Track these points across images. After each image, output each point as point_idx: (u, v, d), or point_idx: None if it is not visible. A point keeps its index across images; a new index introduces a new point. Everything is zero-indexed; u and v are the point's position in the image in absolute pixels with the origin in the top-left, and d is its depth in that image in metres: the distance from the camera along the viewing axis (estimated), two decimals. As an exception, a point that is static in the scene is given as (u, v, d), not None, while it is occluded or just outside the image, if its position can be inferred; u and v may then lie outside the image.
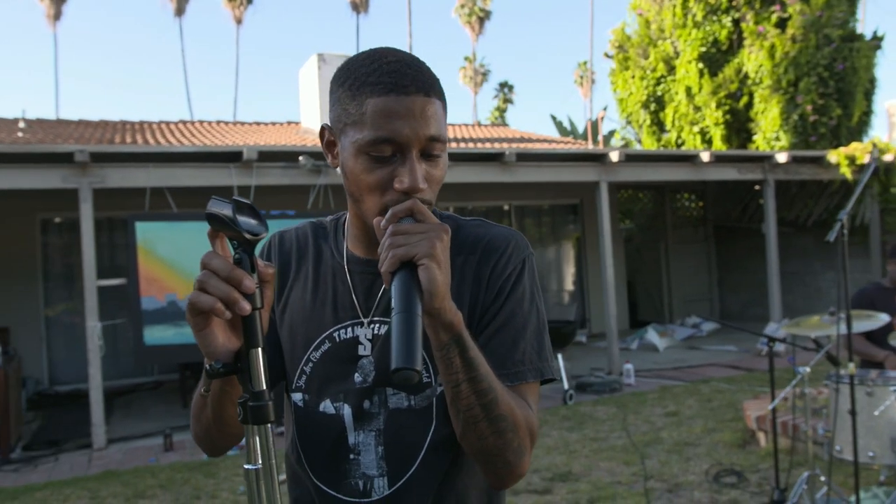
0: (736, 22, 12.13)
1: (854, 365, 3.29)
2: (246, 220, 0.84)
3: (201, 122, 14.06)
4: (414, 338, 0.81)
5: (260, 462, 0.83)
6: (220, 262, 0.85)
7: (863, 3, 12.38)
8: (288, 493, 1.20)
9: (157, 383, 9.43)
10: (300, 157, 6.91)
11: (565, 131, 23.27)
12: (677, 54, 12.76)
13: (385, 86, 0.98)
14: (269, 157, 6.94)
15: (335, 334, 1.13)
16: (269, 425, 0.83)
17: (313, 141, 11.01)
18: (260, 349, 0.84)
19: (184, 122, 14.06)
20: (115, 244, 9.35)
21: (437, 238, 0.89)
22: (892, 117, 13.46)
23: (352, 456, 1.11)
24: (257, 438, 0.83)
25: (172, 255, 6.71)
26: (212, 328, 0.88)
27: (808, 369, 3.81)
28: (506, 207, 11.31)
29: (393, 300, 0.85)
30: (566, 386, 7.12)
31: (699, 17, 12.29)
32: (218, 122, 14.17)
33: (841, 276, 3.41)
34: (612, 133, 18.94)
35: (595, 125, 18.29)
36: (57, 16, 34.60)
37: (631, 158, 8.58)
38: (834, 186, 10.33)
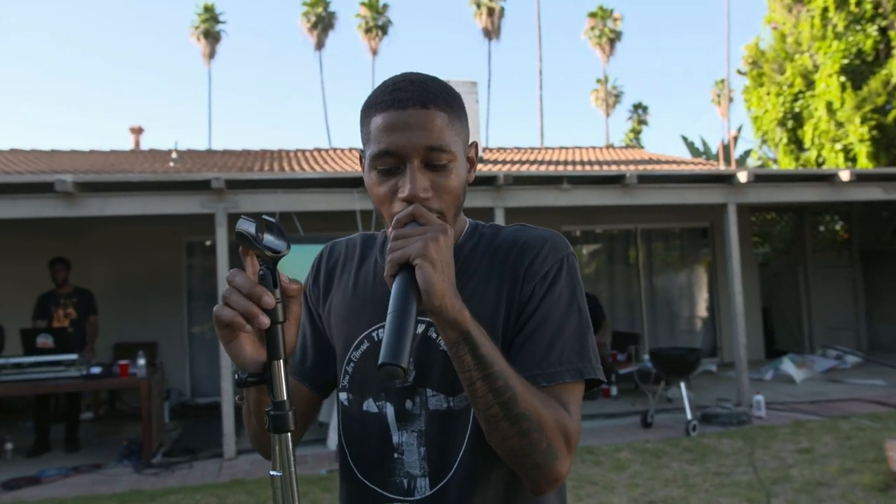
0: (883, 30, 11.32)
1: None
2: (270, 239, 0.91)
3: (334, 150, 14.70)
4: (403, 336, 0.85)
5: (279, 470, 0.87)
6: (243, 279, 0.91)
7: None
8: (339, 489, 1.25)
9: (287, 398, 9.85)
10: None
11: (697, 152, 22.42)
12: (816, 68, 12.05)
13: (385, 103, 1.06)
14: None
15: (373, 334, 1.17)
16: (288, 434, 0.87)
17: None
18: (282, 361, 0.89)
19: (318, 150, 14.76)
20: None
21: (432, 238, 0.93)
22: None
23: (396, 455, 1.14)
24: (278, 447, 0.88)
25: (299, 276, 7.01)
26: (239, 340, 0.95)
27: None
28: (632, 230, 11.06)
29: (390, 301, 0.89)
30: (689, 416, 6.83)
31: (840, 28, 11.56)
32: (350, 149, 14.77)
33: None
34: (747, 153, 18.10)
35: (727, 146, 17.55)
36: (211, 55, 37.40)
37: (761, 179, 8.16)
38: None
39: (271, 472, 0.88)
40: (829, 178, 8.33)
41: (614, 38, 39.86)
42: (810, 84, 12.16)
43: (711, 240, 11.26)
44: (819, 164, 12.08)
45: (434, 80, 1.11)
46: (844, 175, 8.15)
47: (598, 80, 41.30)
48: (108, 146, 13.94)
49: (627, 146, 29.88)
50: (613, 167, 11.88)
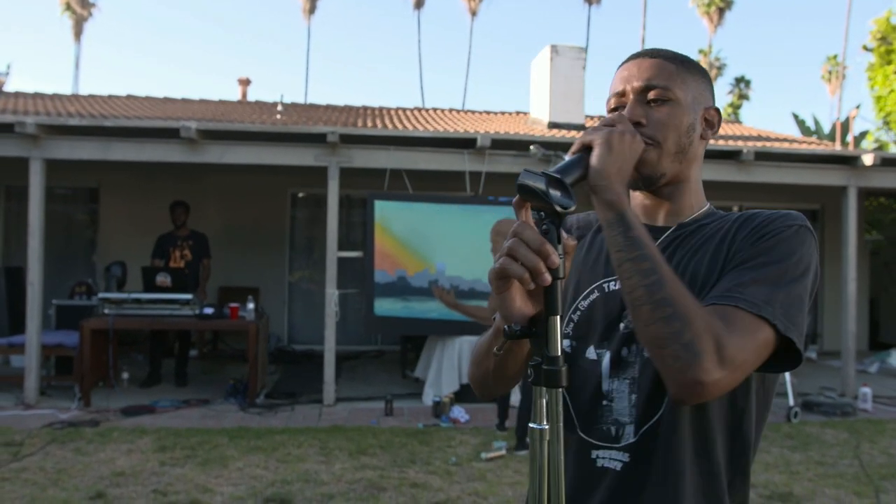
0: None
1: None
2: (556, 194, 0.92)
3: (434, 110, 14.72)
4: (565, 168, 1.01)
5: (545, 423, 0.88)
6: (532, 235, 0.93)
7: None
8: None
9: (379, 352, 10.11)
10: (531, 146, 7.04)
11: (808, 131, 21.33)
12: (954, 47, 11.26)
13: (624, 60, 1.25)
14: (502, 144, 7.16)
15: (604, 285, 1.22)
16: (560, 389, 0.88)
17: (541, 130, 11.13)
18: (558, 317, 0.90)
19: (418, 109, 14.81)
20: (352, 221, 10.14)
21: (619, 132, 1.06)
22: None
23: (605, 402, 1.17)
24: (544, 400, 0.89)
25: (405, 233, 7.16)
26: (511, 292, 0.99)
27: None
28: (736, 208, 10.70)
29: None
30: (791, 402, 6.65)
31: None
32: (450, 110, 14.76)
33: None
34: (863, 134, 17.10)
35: (845, 125, 16.64)
36: (312, 10, 37.86)
37: (888, 163, 7.74)
38: None
39: (531, 425, 0.89)
40: (964, 165, 7.83)
41: (724, 7, 38.19)
42: (945, 64, 11.40)
43: (821, 223, 10.80)
44: (947, 151, 11.34)
45: (675, 51, 1.25)
46: (981, 162, 7.65)
47: (701, 51, 39.73)
48: (215, 96, 14.37)
49: (727, 121, 28.77)
50: (721, 142, 11.47)
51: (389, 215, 7.12)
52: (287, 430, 6.02)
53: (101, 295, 7.06)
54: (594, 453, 1.17)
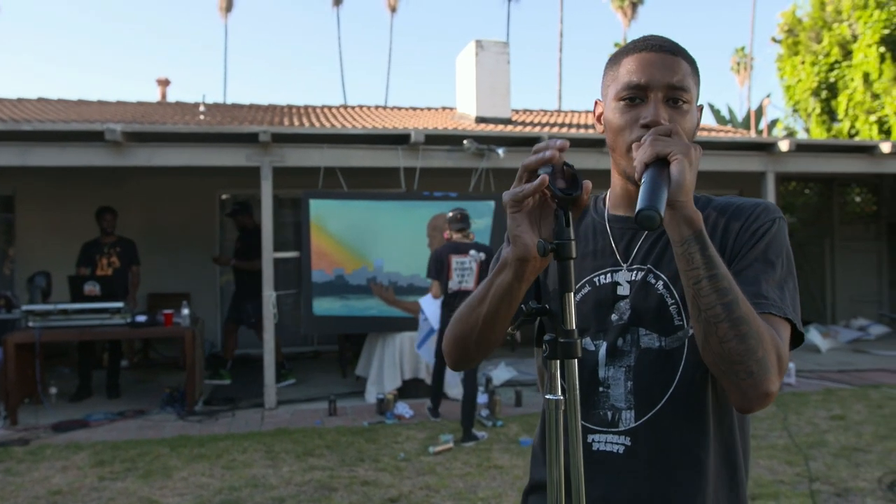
0: (926, 2, 11.15)
1: None
2: (561, 183, 0.99)
3: (360, 107, 14.65)
4: (659, 192, 0.95)
5: (560, 394, 0.93)
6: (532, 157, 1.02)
7: None
8: (541, 424, 1.32)
9: (316, 353, 10.02)
10: (464, 141, 7.10)
11: (723, 120, 22.20)
12: (855, 38, 11.87)
13: (639, 48, 1.20)
14: (435, 140, 7.18)
15: (595, 279, 1.26)
16: (574, 361, 0.93)
17: (469, 125, 11.22)
18: (571, 294, 0.95)
19: (344, 107, 14.71)
20: (283, 222, 9.99)
21: (693, 147, 1.04)
22: None
23: (601, 388, 1.21)
24: (558, 372, 0.94)
25: (342, 231, 7.12)
26: (522, 214, 1.03)
27: None
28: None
29: (643, 183, 0.99)
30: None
31: (883, -2, 11.39)
32: (376, 107, 14.72)
33: None
34: (774, 122, 17.92)
35: (758, 113, 17.37)
36: (229, 7, 37.05)
37: (802, 148, 8.13)
38: None
39: (547, 396, 0.93)
40: (870, 150, 8.30)
41: (637, 2, 39.24)
42: (847, 54, 11.99)
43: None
44: (852, 136, 11.99)
45: (682, 46, 1.22)
46: (885, 147, 8.11)
47: (617, 45, 40.65)
48: (132, 98, 13.89)
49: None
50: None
51: (325, 214, 7.06)
52: (230, 436, 5.90)
53: (24, 307, 6.76)
54: (590, 437, 1.21)
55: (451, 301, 6.02)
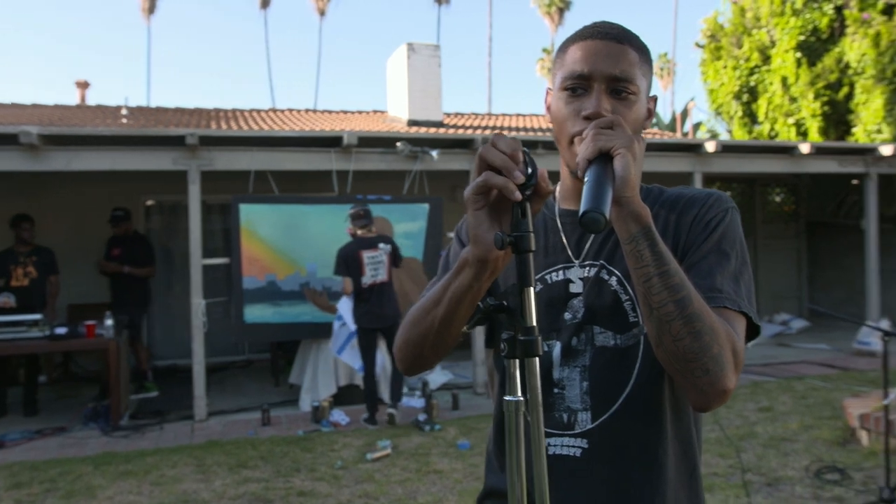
0: (838, 9, 11.64)
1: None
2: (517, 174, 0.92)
3: (290, 111, 14.41)
4: (603, 192, 0.91)
5: (519, 395, 0.88)
6: (506, 141, 0.94)
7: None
8: (495, 429, 1.27)
9: (247, 361, 9.77)
10: (398, 144, 7.04)
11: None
12: (773, 43, 12.33)
13: (585, 35, 1.16)
14: (368, 142, 7.09)
15: (546, 277, 1.21)
16: (535, 360, 0.88)
17: (401, 128, 11.16)
18: (532, 288, 0.89)
19: (273, 110, 14.44)
20: (211, 228, 9.72)
21: (636, 139, 0.99)
22: None
23: (556, 390, 1.17)
24: (517, 372, 0.89)
25: (273, 236, 6.95)
26: (485, 211, 0.96)
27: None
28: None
29: (586, 181, 0.94)
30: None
31: (798, 5, 11.84)
32: (306, 110, 14.50)
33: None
34: (698, 125, 18.48)
35: (684, 115, 17.88)
36: (151, 9, 36.02)
37: (727, 149, 8.37)
38: (940, 182, 9.84)
39: (506, 398, 0.88)
40: (790, 151, 8.61)
41: (563, 8, 39.92)
42: (766, 59, 12.45)
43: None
44: (772, 138, 12.45)
45: (631, 30, 1.18)
46: (804, 148, 8.44)
47: (545, 50, 41.35)
48: (50, 101, 13.33)
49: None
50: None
51: (255, 219, 6.88)
52: (159, 450, 5.68)
53: (-69, 322, 6.36)
54: (546, 441, 1.16)
55: (366, 295, 6.18)
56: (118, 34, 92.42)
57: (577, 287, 1.18)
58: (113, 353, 6.38)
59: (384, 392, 6.76)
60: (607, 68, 1.11)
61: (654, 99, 1.21)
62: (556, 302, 1.19)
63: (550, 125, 1.21)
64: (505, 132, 11.91)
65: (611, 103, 1.11)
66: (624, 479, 1.13)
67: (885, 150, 8.86)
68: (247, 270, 6.83)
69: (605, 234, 1.19)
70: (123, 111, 12.37)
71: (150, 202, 9.83)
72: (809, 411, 6.22)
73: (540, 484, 0.87)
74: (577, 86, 1.13)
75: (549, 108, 1.23)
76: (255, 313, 6.91)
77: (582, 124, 1.10)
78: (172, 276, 9.76)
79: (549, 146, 7.62)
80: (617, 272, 1.16)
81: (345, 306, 6.46)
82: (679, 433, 1.16)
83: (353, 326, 6.37)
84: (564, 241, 1.22)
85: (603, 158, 0.97)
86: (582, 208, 0.90)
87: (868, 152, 9.04)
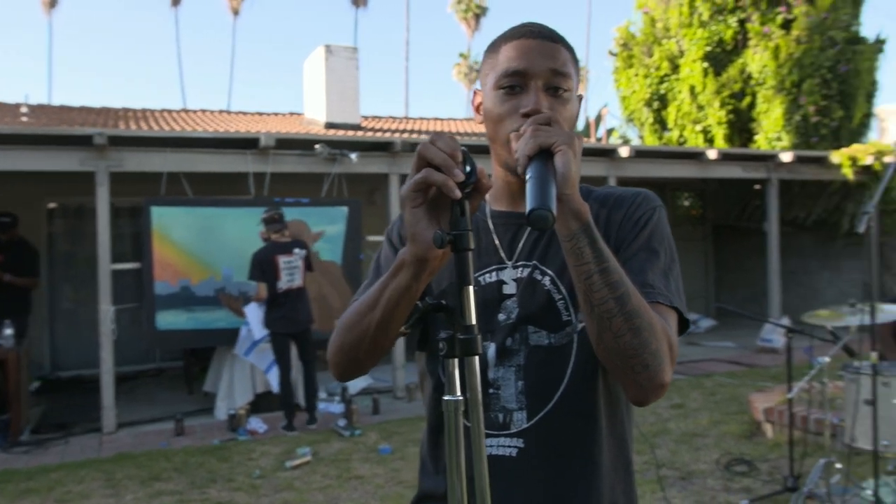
0: (741, 22, 12.18)
1: (877, 355, 3.36)
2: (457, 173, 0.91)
3: (203, 111, 14.02)
4: (548, 189, 0.90)
5: (459, 394, 0.86)
6: (446, 139, 0.93)
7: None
8: (429, 431, 1.25)
9: (158, 370, 9.44)
10: (316, 146, 6.93)
11: (563, 128, 23.16)
12: (682, 53, 12.80)
13: (518, 34, 1.16)
14: (286, 144, 6.96)
15: (479, 279, 1.20)
16: (475, 358, 0.87)
17: (318, 130, 11.02)
18: (471, 287, 0.88)
19: (185, 111, 14.02)
20: (119, 232, 9.34)
21: (576, 136, 0.99)
22: (883, 122, 13.62)
23: (491, 390, 1.16)
24: (456, 371, 0.87)
25: (187, 240, 6.73)
26: (423, 209, 0.94)
27: (827, 359, 3.88)
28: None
29: (528, 178, 0.93)
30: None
31: (705, 17, 12.33)
32: (220, 111, 14.15)
33: (869, 267, 3.49)
34: (611, 131, 19.00)
35: (598, 121, 18.34)
36: (52, 3, 34.43)
37: (640, 154, 8.64)
38: (834, 187, 10.44)
39: (445, 398, 0.86)
40: (698, 157, 8.96)
41: (480, 14, 40.40)
42: (676, 68, 12.91)
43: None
44: (680, 144, 12.91)
45: (562, 35, 1.18)
46: (712, 154, 8.80)
47: (462, 55, 41.74)
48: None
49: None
50: (483, 139, 12.12)
51: (168, 222, 6.64)
52: (64, 465, 5.40)
53: None
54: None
55: (281, 300, 6.10)
56: (16, 29, 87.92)
57: (510, 288, 1.18)
58: (13, 364, 6.05)
59: (301, 398, 6.66)
60: (544, 66, 1.11)
61: (580, 98, 1.22)
62: (490, 303, 1.18)
63: (482, 125, 1.20)
64: (423, 136, 11.93)
65: (548, 100, 1.11)
66: (560, 477, 1.13)
67: (785, 157, 9.34)
68: (159, 275, 6.59)
69: (537, 234, 1.19)
70: (23, 109, 11.77)
71: (52, 205, 9.37)
72: (718, 407, 6.47)
73: (481, 483, 0.86)
74: (513, 83, 1.12)
75: (478, 109, 1.22)
76: (168, 320, 6.67)
77: (520, 121, 1.09)
78: (77, 282, 9.33)
79: (475, 150, 7.67)
80: (550, 272, 1.16)
81: (252, 313, 6.35)
82: (614, 429, 1.18)
83: (257, 335, 6.30)
84: (497, 242, 1.21)
85: (543, 155, 0.96)
86: (529, 206, 0.89)
87: (770, 158, 9.51)
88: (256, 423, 6.26)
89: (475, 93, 1.23)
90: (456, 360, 0.87)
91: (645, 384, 1.02)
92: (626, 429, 1.21)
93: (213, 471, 5.14)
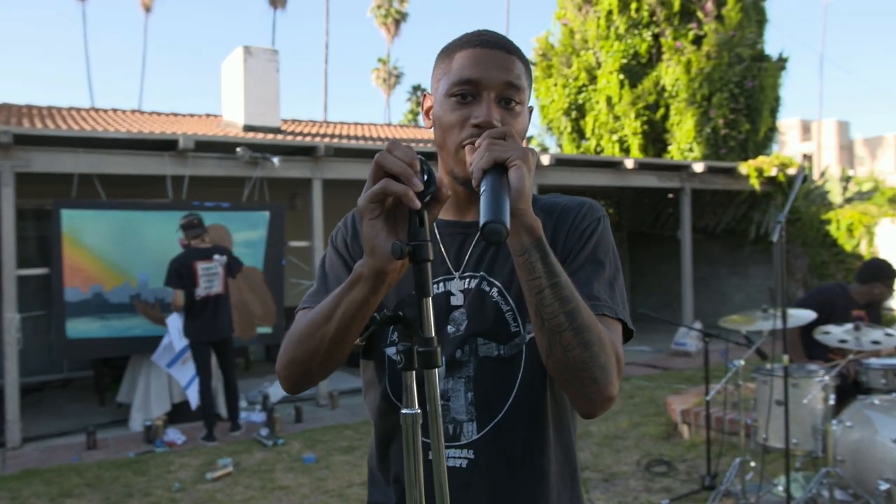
0: (656, 37, 12.65)
1: (788, 358, 3.52)
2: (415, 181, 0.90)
3: (114, 111, 13.49)
4: (502, 203, 0.91)
5: (417, 408, 0.86)
6: (403, 148, 0.92)
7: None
8: (377, 443, 1.24)
9: (66, 380, 8.99)
10: (238, 149, 6.78)
11: (483, 136, 23.37)
12: (599, 65, 13.17)
13: (472, 42, 1.15)
14: (205, 147, 6.77)
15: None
16: (435, 371, 0.86)
17: (237, 133, 10.78)
18: (430, 299, 0.87)
19: (95, 110, 13.46)
20: (24, 235, 8.89)
21: (530, 151, 0.99)
22: (783, 135, 14.39)
23: (441, 402, 1.14)
24: (414, 384, 0.87)
25: (100, 245, 6.45)
26: (381, 220, 0.93)
27: (742, 362, 4.05)
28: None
29: (483, 191, 0.94)
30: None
31: (622, 30, 12.74)
32: (132, 111, 13.65)
33: (779, 274, 3.66)
34: (530, 139, 19.34)
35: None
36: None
37: (561, 163, 8.82)
38: (742, 196, 10.95)
39: (403, 411, 0.85)
40: (616, 166, 9.23)
41: (399, 19, 40.42)
42: (593, 79, 13.28)
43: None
44: (598, 153, 13.27)
45: (517, 45, 1.18)
46: (629, 163, 9.08)
47: (381, 60, 41.66)
48: None
49: (406, 126, 30.52)
50: (423, 145, 12.14)
51: (80, 226, 6.35)
52: (-37, 483, 5.08)
53: None
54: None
55: (199, 308, 5.97)
56: None
57: (457, 299, 1.17)
58: None
59: (221, 407, 6.48)
60: (498, 77, 1.11)
61: (531, 110, 1.22)
62: (438, 315, 1.16)
63: (430, 129, 1.19)
64: (344, 140, 11.84)
65: (500, 112, 1.11)
66: (509, 486, 1.14)
67: (698, 168, 9.74)
68: (69, 281, 6.30)
69: (484, 244, 1.18)
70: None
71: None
72: (637, 409, 6.65)
73: (440, 493, 0.86)
74: (465, 92, 1.12)
75: (427, 113, 1.21)
76: (80, 328, 6.37)
77: (471, 131, 1.09)
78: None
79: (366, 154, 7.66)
80: (497, 283, 1.16)
81: (173, 324, 6.14)
82: (561, 439, 1.19)
83: (178, 346, 6.11)
84: (444, 252, 1.20)
85: (498, 169, 0.96)
86: (483, 219, 0.89)
87: (683, 168, 9.89)
88: (175, 434, 6.06)
89: (425, 96, 1.22)
90: (413, 373, 0.86)
91: (594, 397, 1.04)
92: (572, 437, 1.23)
93: (129, 485, 4.94)
